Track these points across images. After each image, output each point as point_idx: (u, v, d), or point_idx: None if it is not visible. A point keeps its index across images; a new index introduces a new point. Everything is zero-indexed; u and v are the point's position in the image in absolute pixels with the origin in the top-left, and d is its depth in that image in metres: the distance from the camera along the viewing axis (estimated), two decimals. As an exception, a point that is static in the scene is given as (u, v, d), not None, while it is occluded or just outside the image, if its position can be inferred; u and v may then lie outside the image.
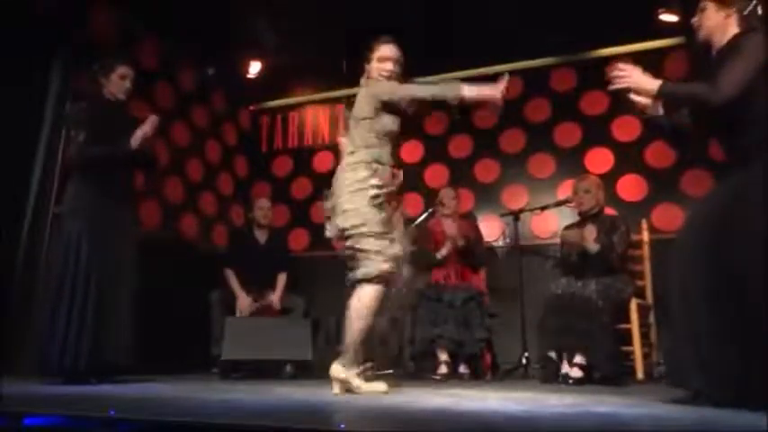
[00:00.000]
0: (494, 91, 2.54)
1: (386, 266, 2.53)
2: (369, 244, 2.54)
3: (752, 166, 2.04)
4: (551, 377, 3.33)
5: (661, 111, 2.34)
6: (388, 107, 2.68)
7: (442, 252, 4.06)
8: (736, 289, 1.95)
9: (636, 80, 2.20)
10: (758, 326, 1.88)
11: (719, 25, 2.20)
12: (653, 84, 2.17)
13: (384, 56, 2.75)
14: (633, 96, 2.28)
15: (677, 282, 2.16)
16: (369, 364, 2.70)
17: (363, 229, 2.55)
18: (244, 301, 4.16)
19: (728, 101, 2.03)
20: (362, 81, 2.83)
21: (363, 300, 2.54)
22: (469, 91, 2.55)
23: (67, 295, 2.94)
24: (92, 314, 2.95)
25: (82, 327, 2.92)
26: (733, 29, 2.18)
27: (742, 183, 2.06)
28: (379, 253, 2.53)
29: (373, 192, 2.57)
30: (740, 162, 2.10)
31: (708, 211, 2.16)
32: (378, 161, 2.64)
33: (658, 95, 2.19)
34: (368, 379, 2.63)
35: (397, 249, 2.60)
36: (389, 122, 2.69)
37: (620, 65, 2.23)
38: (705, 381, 2.00)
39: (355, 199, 2.58)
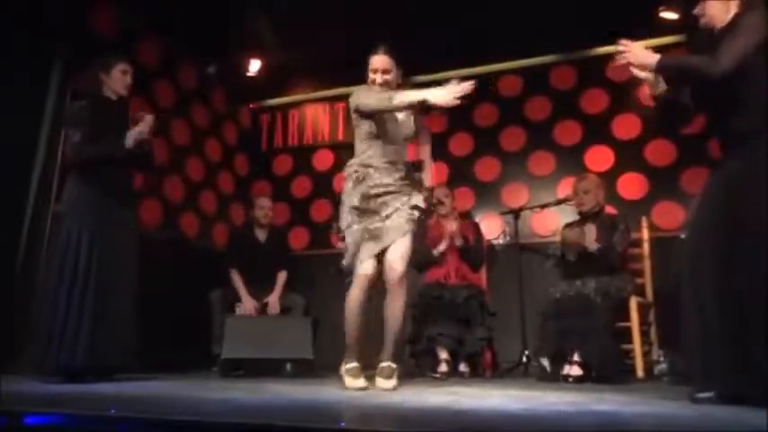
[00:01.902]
0: (440, 97, 2.68)
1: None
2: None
3: (754, 147, 2.04)
4: (550, 378, 3.34)
5: (663, 86, 2.34)
6: (360, 114, 2.92)
7: (440, 248, 4.05)
8: (744, 284, 1.95)
9: (636, 55, 2.23)
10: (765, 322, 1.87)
11: (722, 10, 2.21)
12: (652, 58, 2.20)
13: (372, 67, 2.93)
14: (635, 71, 2.29)
15: (686, 281, 2.15)
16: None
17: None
18: (248, 304, 4.16)
19: (727, 74, 2.03)
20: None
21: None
22: (405, 98, 2.75)
23: (66, 294, 2.93)
24: (91, 313, 2.95)
25: (80, 326, 2.91)
26: (734, 10, 2.19)
27: (742, 168, 2.06)
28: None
29: (347, 199, 2.90)
30: (740, 144, 2.10)
31: (713, 202, 2.16)
32: (366, 164, 2.89)
33: (657, 69, 2.21)
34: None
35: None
36: (367, 126, 2.93)
37: (623, 41, 2.26)
38: (710, 379, 2.00)
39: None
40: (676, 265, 2.28)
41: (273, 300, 4.23)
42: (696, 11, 2.28)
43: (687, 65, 2.21)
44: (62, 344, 2.88)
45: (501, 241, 4.75)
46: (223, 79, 5.33)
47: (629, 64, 2.26)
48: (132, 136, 3.17)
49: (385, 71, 2.91)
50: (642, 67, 2.25)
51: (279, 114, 5.82)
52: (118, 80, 3.26)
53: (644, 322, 3.67)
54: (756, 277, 1.93)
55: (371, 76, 2.93)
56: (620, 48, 2.26)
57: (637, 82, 2.40)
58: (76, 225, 3.04)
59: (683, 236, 2.34)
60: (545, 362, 3.38)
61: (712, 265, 2.06)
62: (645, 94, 2.40)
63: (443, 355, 3.72)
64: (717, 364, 2.00)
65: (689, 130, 2.48)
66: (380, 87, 2.91)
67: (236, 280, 4.25)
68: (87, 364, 2.91)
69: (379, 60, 2.91)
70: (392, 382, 2.69)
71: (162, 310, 3.83)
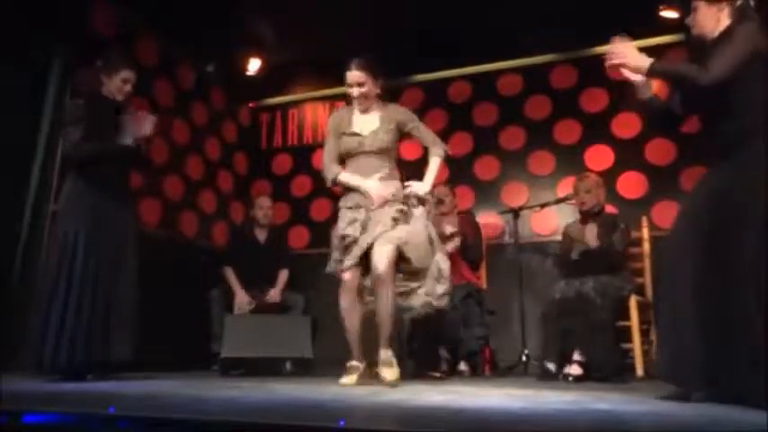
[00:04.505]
0: (371, 190, 2.98)
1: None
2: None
3: (742, 153, 2.05)
4: (552, 379, 3.34)
5: (649, 93, 2.36)
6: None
7: (449, 247, 4.05)
8: (732, 283, 1.96)
9: (629, 57, 2.23)
10: (756, 321, 1.88)
11: (712, 20, 2.22)
12: (644, 61, 2.20)
13: (347, 82, 3.07)
14: (625, 72, 2.29)
15: (673, 279, 2.16)
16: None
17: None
18: (242, 298, 4.16)
19: (716, 82, 2.04)
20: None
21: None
22: (349, 180, 3.06)
23: (63, 293, 2.93)
24: (89, 312, 2.94)
25: (78, 324, 2.91)
26: (725, 21, 2.20)
27: (732, 171, 2.07)
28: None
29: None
30: (729, 150, 2.11)
31: (699, 205, 2.17)
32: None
33: (649, 73, 2.21)
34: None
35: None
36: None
37: (616, 39, 2.26)
38: (705, 378, 2.01)
39: None
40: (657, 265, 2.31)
41: (275, 291, 4.25)
42: (687, 21, 2.30)
43: (677, 71, 2.22)
44: (61, 343, 2.88)
45: (500, 240, 4.75)
46: (222, 78, 5.32)
47: (621, 65, 2.26)
48: (132, 134, 3.16)
49: (359, 84, 3.04)
50: (634, 70, 2.26)
51: (278, 113, 5.82)
52: (118, 87, 3.24)
53: (644, 321, 3.67)
54: (737, 280, 1.94)
55: (348, 90, 3.08)
56: (613, 48, 2.25)
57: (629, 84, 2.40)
58: (74, 224, 3.03)
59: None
60: (551, 365, 3.38)
61: (691, 268, 2.08)
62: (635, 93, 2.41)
63: (443, 354, 3.72)
64: (693, 364, 2.02)
65: (689, 129, 2.48)
66: (358, 100, 3.07)
67: (230, 275, 4.25)
68: (86, 362, 2.92)
69: (351, 76, 3.04)
70: (394, 372, 2.76)
71: (161, 309, 3.82)
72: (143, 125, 3.21)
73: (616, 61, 2.25)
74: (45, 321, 2.91)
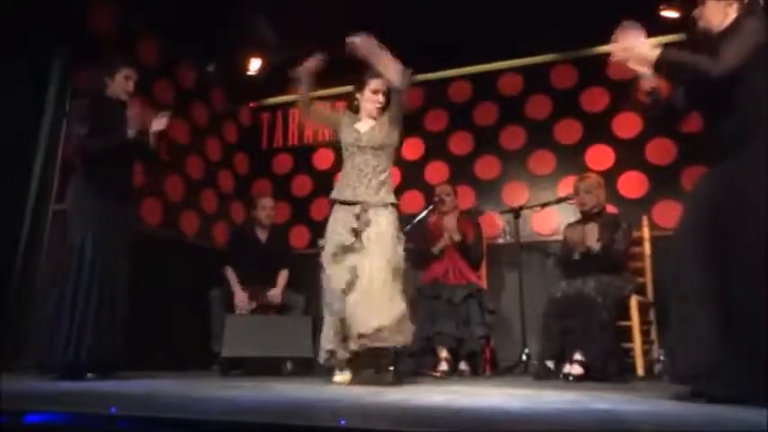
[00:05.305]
0: None
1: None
2: None
3: (744, 152, 2.04)
4: (550, 377, 3.35)
5: (653, 80, 2.32)
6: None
7: (439, 245, 4.07)
8: (736, 283, 1.96)
9: (636, 47, 2.20)
10: (758, 320, 1.88)
11: (721, 14, 2.22)
12: (653, 51, 2.17)
13: (374, 88, 3.16)
14: (631, 64, 2.26)
15: (676, 278, 2.17)
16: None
17: None
18: (241, 298, 4.16)
19: (727, 74, 2.03)
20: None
21: None
22: None
23: (69, 292, 2.94)
24: (93, 311, 2.95)
25: (83, 323, 2.92)
26: (733, 15, 2.20)
27: (734, 170, 2.07)
28: None
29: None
30: (730, 149, 2.10)
31: (700, 205, 2.16)
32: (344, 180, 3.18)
33: (659, 61, 2.17)
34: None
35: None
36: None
37: (625, 26, 2.23)
38: (706, 378, 2.01)
39: None
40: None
41: (274, 292, 4.25)
42: (695, 13, 2.29)
43: (690, 60, 2.18)
44: (64, 342, 2.89)
45: (501, 240, 4.75)
46: (223, 78, 5.32)
47: (628, 56, 2.22)
48: (134, 126, 3.16)
49: (385, 93, 3.17)
50: (643, 62, 2.23)
51: (279, 113, 5.82)
52: (120, 85, 3.27)
53: (644, 321, 3.67)
54: (739, 280, 1.94)
55: (371, 95, 3.16)
56: (620, 33, 2.22)
57: (636, 76, 2.36)
58: (81, 225, 3.04)
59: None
60: (550, 364, 3.38)
61: (694, 268, 2.07)
62: (639, 87, 2.37)
63: (443, 353, 3.72)
64: (696, 364, 2.02)
65: (689, 129, 2.48)
66: (371, 110, 3.15)
67: (230, 275, 4.25)
68: (88, 361, 2.92)
69: (381, 83, 3.14)
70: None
71: (162, 309, 3.83)
72: (148, 119, 3.22)
73: (623, 45, 2.21)
74: (51, 321, 2.92)
